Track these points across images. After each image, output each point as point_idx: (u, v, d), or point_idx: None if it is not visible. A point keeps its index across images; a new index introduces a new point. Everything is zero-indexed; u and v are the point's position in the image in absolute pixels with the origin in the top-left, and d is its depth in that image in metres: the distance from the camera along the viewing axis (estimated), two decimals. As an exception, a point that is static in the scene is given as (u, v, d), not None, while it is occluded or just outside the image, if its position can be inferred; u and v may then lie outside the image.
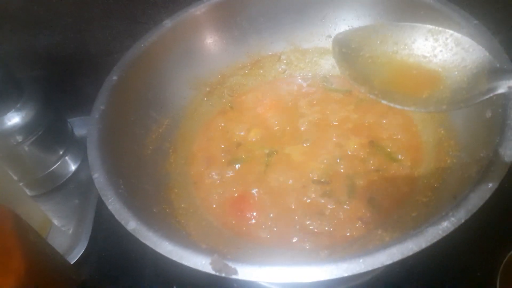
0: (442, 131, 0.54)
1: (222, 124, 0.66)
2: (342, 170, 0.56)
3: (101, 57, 0.86)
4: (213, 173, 0.59)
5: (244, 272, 0.37)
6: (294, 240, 0.51)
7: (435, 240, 0.36)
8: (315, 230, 0.51)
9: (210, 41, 0.68)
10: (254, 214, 0.54)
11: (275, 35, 0.71)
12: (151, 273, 0.63)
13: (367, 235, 0.49)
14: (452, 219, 0.37)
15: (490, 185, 0.38)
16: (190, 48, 0.67)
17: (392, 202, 0.52)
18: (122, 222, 0.43)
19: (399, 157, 0.56)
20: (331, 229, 0.51)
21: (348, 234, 0.50)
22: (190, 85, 0.67)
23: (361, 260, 0.36)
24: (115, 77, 0.58)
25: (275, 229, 0.52)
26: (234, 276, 0.37)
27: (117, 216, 0.44)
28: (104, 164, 0.49)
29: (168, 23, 0.65)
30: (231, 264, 0.38)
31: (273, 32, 0.71)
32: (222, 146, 0.63)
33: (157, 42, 0.63)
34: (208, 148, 0.63)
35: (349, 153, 0.59)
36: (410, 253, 0.36)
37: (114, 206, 0.44)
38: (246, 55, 0.71)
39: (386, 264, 0.35)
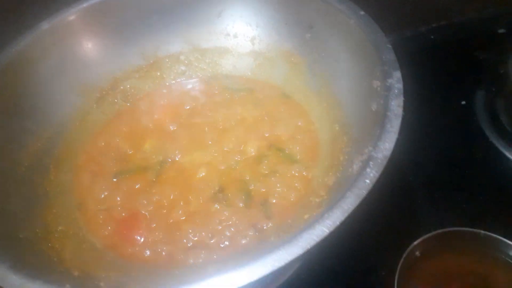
0: (337, 127, 0.52)
1: (114, 133, 0.60)
2: (239, 176, 0.53)
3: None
4: (100, 190, 0.54)
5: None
6: (183, 257, 0.46)
7: (310, 246, 0.33)
8: (207, 243, 0.47)
9: (97, 43, 0.63)
10: (142, 232, 0.49)
11: (172, 34, 0.66)
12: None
13: (260, 244, 0.46)
14: (327, 221, 0.34)
15: (367, 181, 0.36)
16: (73, 51, 0.61)
17: (287, 205, 0.49)
18: (-37, 255, 0.37)
19: (297, 157, 0.54)
20: (224, 241, 0.47)
21: (242, 243, 0.46)
22: (77, 92, 0.61)
23: (232, 273, 0.32)
24: (-23, 86, 0.51)
25: (163, 247, 0.47)
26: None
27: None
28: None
29: (45, 25, 0.58)
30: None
31: (169, 31, 0.66)
32: (112, 159, 0.57)
33: (31, 46, 0.56)
34: (96, 161, 0.57)
35: (248, 156, 0.55)
36: (283, 263, 0.32)
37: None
38: (141, 56, 0.66)
39: (255, 279, 0.32)
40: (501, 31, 0.86)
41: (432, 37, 0.94)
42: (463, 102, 0.72)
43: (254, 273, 0.32)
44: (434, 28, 0.96)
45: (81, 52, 0.61)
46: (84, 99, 0.62)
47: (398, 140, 0.40)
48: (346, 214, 0.34)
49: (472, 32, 0.91)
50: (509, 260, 0.48)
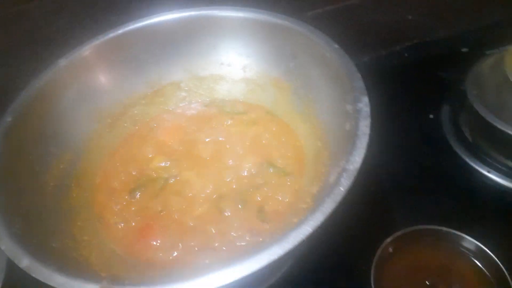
0: (319, 144, 0.61)
1: (126, 154, 0.69)
2: (236, 188, 0.61)
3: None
4: (116, 203, 0.62)
5: (130, 293, 0.41)
6: (192, 259, 0.54)
7: (297, 243, 0.42)
8: (212, 246, 0.55)
9: (108, 74, 0.71)
10: (156, 239, 0.57)
11: (173, 65, 0.75)
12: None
13: (257, 245, 0.54)
14: (311, 222, 0.43)
15: (342, 189, 0.45)
16: (87, 83, 0.69)
17: (279, 212, 0.57)
18: (15, 261, 0.45)
19: (287, 170, 0.62)
20: (226, 243, 0.55)
21: (241, 245, 0.55)
22: (92, 119, 0.69)
23: (229, 269, 0.40)
24: (9, 119, 0.59)
25: (175, 251, 0.56)
26: (121, 298, 0.41)
27: (9, 255, 0.45)
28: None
29: (63, 62, 0.67)
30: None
31: (171, 62, 0.75)
32: (125, 176, 0.65)
33: (52, 81, 0.65)
34: (111, 179, 0.65)
35: (244, 170, 0.64)
36: (276, 257, 0.41)
37: (7, 245, 0.46)
38: (147, 85, 0.75)
39: (253, 271, 0.40)
40: (464, 50, 0.97)
41: (406, 55, 1.04)
42: (431, 116, 0.82)
43: (253, 266, 0.40)
44: (408, 47, 1.06)
45: (95, 84, 0.70)
46: (98, 124, 0.70)
47: (373, 151, 0.50)
48: (325, 216, 0.43)
49: (440, 50, 1.01)
50: (466, 251, 0.57)
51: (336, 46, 0.60)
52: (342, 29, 1.01)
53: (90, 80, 0.70)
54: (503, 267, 0.53)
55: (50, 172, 0.61)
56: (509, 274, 0.52)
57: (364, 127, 0.50)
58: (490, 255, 0.54)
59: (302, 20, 0.94)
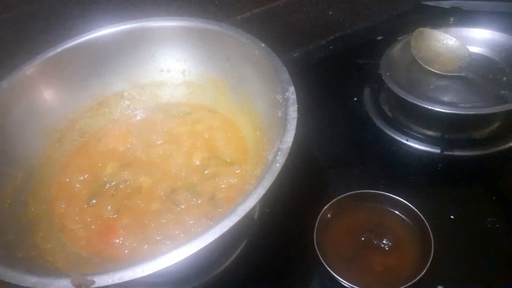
0: (258, 132, 0.68)
1: (77, 165, 0.72)
2: (188, 182, 0.67)
3: None
4: (75, 211, 0.65)
5: (101, 280, 0.45)
6: (155, 250, 0.59)
7: (245, 213, 0.48)
8: (171, 235, 0.60)
9: (52, 92, 0.74)
10: (118, 237, 0.61)
11: (115, 76, 0.79)
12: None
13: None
14: (255, 196, 0.49)
15: (277, 165, 0.52)
16: (32, 102, 0.71)
17: (229, 196, 0.64)
18: (-16, 272, 0.48)
19: (232, 160, 0.69)
20: (184, 230, 0.61)
21: (199, 230, 0.60)
22: (40, 136, 0.72)
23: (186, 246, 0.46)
24: (-43, 143, 0.61)
25: (138, 245, 0.60)
26: (93, 286, 0.45)
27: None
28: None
29: (5, 83, 0.69)
30: (89, 277, 0.45)
31: (112, 74, 0.79)
32: (80, 185, 0.69)
33: (-4, 103, 0.67)
34: (67, 189, 0.68)
35: (194, 166, 0.69)
36: (228, 228, 0.47)
37: (-26, 259, 0.49)
38: (91, 98, 0.78)
39: (209, 241, 0.46)
40: (379, 38, 1.09)
41: (331, 47, 1.14)
42: (355, 98, 0.92)
43: (208, 238, 0.46)
44: (332, 40, 1.17)
45: (39, 102, 0.72)
46: (47, 140, 0.73)
47: (306, 132, 0.56)
48: (266, 189, 0.50)
49: (360, 40, 1.13)
50: (391, 207, 0.66)
51: (263, 45, 0.67)
52: (271, 29, 1.10)
53: (35, 99, 0.72)
54: (421, 215, 0.62)
55: (5, 191, 0.63)
56: (426, 220, 0.61)
57: (292, 112, 0.57)
58: (411, 207, 0.64)
59: (233, 24, 1.02)
